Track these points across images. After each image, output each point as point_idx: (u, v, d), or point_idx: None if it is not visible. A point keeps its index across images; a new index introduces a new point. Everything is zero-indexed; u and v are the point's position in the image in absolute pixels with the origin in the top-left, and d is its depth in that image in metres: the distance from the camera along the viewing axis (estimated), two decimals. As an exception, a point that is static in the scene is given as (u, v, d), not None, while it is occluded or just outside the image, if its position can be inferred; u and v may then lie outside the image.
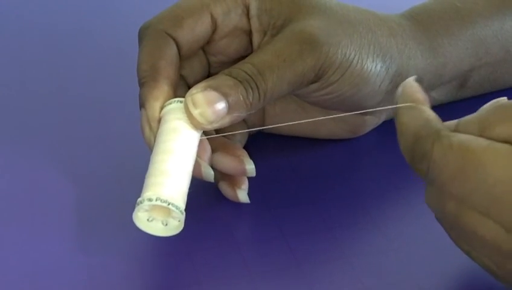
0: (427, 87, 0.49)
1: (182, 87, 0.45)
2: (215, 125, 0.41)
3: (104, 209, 0.45)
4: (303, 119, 0.46)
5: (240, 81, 0.41)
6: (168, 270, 0.41)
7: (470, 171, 0.34)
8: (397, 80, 0.47)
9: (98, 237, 0.43)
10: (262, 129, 0.51)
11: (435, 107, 0.52)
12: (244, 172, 0.44)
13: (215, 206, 0.45)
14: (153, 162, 0.40)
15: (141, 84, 0.43)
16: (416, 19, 0.50)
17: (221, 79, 0.41)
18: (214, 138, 0.44)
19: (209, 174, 0.43)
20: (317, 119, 0.45)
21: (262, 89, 0.42)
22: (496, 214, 0.34)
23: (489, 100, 0.38)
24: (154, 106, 0.42)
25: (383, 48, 0.46)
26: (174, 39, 0.44)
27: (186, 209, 0.39)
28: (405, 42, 0.48)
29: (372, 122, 0.51)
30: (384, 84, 0.46)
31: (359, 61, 0.45)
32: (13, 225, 0.44)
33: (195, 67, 0.47)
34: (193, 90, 0.41)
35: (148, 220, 0.40)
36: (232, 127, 0.44)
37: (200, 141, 0.42)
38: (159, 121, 0.42)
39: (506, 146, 0.34)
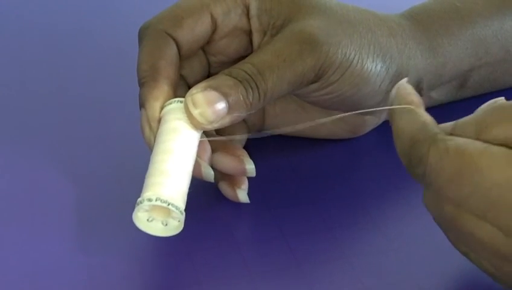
0: (427, 87, 0.49)
1: (182, 87, 0.45)
2: (215, 125, 0.41)
3: (104, 209, 0.45)
4: (303, 119, 0.46)
5: (239, 81, 0.41)
6: (168, 270, 0.41)
7: (467, 175, 0.34)
8: (397, 80, 0.47)
9: (98, 237, 0.43)
10: (262, 127, 0.51)
11: (435, 107, 0.52)
12: (244, 172, 0.44)
13: (215, 206, 0.45)
14: (153, 162, 0.40)
15: (141, 84, 0.43)
16: (416, 19, 0.50)
17: (221, 79, 0.42)
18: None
19: (209, 174, 0.43)
20: (316, 121, 0.45)
21: (262, 89, 0.42)
22: (493, 218, 0.34)
23: (489, 100, 0.38)
24: (154, 105, 0.42)
25: (383, 48, 0.46)
26: (174, 39, 0.44)
27: (186, 209, 0.39)
28: (405, 42, 0.48)
29: (372, 122, 0.51)
30: (384, 84, 0.46)
31: (359, 61, 0.45)
32: (13, 225, 0.44)
33: (195, 67, 0.47)
34: (193, 90, 0.41)
35: (148, 220, 0.40)
36: (232, 127, 0.44)
37: (200, 141, 0.42)
38: (159, 121, 0.42)
39: (502, 149, 0.34)
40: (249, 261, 0.41)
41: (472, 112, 0.37)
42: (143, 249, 0.42)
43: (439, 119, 0.38)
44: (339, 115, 0.44)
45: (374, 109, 0.45)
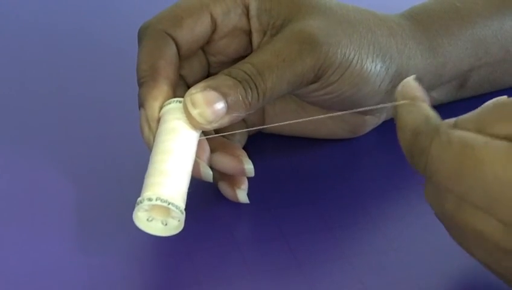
0: (427, 87, 0.49)
1: (181, 87, 0.45)
2: (214, 125, 0.41)
3: (104, 209, 0.45)
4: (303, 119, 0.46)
5: (239, 81, 0.41)
6: (168, 270, 0.41)
7: (469, 168, 0.34)
8: (397, 80, 0.47)
9: (98, 237, 0.43)
10: (262, 129, 0.51)
11: (435, 107, 0.52)
12: (243, 172, 0.44)
13: (215, 206, 0.45)
14: (152, 162, 0.40)
15: (140, 84, 0.43)
16: (416, 19, 0.50)
17: (220, 79, 0.42)
18: (213, 138, 0.44)
19: (207, 174, 0.43)
20: (316, 117, 0.45)
21: (261, 89, 0.42)
22: (494, 211, 0.34)
23: (489, 100, 0.38)
24: (153, 105, 0.42)
25: (383, 48, 0.46)
26: (173, 39, 0.44)
27: (186, 209, 0.39)
28: (405, 42, 0.48)
29: (372, 122, 0.51)
30: (384, 84, 0.46)
31: (359, 61, 0.45)
32: (13, 225, 0.44)
33: (195, 67, 0.47)
34: (192, 90, 0.41)
35: (147, 220, 0.40)
36: (231, 127, 0.44)
37: (199, 141, 0.42)
38: (158, 121, 0.42)
39: (504, 143, 0.34)
40: (249, 261, 0.41)
41: (472, 112, 0.37)
42: (143, 249, 0.42)
43: (439, 119, 0.38)
44: (338, 113, 0.44)
45: (375, 107, 0.45)
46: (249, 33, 0.46)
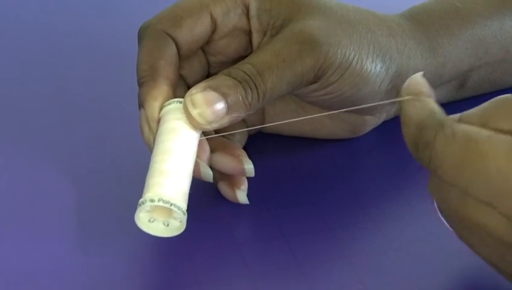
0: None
1: (181, 87, 0.45)
2: (214, 126, 0.41)
3: (104, 209, 0.45)
4: (303, 119, 0.46)
5: (239, 82, 0.41)
6: (168, 270, 0.41)
7: (472, 161, 0.34)
8: (397, 80, 0.47)
9: (98, 237, 0.43)
10: (262, 128, 0.51)
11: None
12: (243, 172, 0.44)
13: (215, 206, 0.45)
14: (153, 162, 0.40)
15: (140, 84, 0.43)
16: (416, 19, 0.50)
17: (220, 79, 0.41)
18: (213, 138, 0.44)
19: (207, 174, 0.43)
20: (317, 115, 0.45)
21: (261, 89, 0.42)
22: (497, 204, 0.34)
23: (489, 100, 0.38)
24: (153, 105, 0.42)
25: (383, 48, 0.46)
26: (173, 39, 0.44)
27: (187, 210, 0.39)
28: (405, 42, 0.48)
29: (372, 122, 0.51)
30: (384, 85, 0.46)
31: (359, 61, 0.45)
32: (13, 225, 0.44)
33: (195, 67, 0.47)
34: (192, 90, 0.41)
35: (149, 220, 0.40)
36: (231, 127, 0.44)
37: (199, 141, 0.42)
38: (158, 121, 0.42)
39: (509, 137, 0.34)
40: (249, 261, 0.41)
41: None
42: (143, 249, 0.42)
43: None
44: (339, 111, 0.44)
45: (376, 103, 0.45)
46: (249, 33, 0.46)
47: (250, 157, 0.44)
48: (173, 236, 0.40)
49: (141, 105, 0.42)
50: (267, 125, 0.49)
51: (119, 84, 0.57)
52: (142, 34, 0.45)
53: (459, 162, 0.34)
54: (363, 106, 0.45)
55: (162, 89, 0.42)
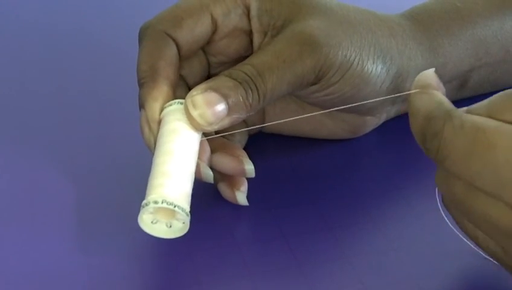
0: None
1: (181, 87, 0.45)
2: (215, 127, 0.41)
3: (104, 209, 0.45)
4: (303, 119, 0.46)
5: (239, 83, 0.41)
6: (168, 270, 0.41)
7: (480, 151, 0.34)
8: (397, 80, 0.47)
9: (98, 237, 0.43)
10: (263, 128, 0.51)
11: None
12: (243, 172, 0.44)
13: (215, 206, 0.45)
14: (155, 164, 0.40)
15: (140, 85, 0.43)
16: (417, 19, 0.50)
17: (221, 80, 0.41)
18: (214, 139, 0.44)
19: (208, 175, 0.43)
20: (317, 113, 0.45)
21: (261, 90, 0.42)
22: (505, 195, 0.34)
23: None
24: (153, 106, 0.42)
25: (384, 49, 0.46)
26: (173, 40, 0.44)
27: (190, 211, 0.39)
28: (405, 43, 0.48)
29: (372, 122, 0.51)
30: (384, 85, 0.46)
31: (359, 62, 0.45)
32: (13, 225, 0.44)
33: (195, 68, 0.47)
34: (193, 91, 0.41)
35: (152, 222, 0.40)
36: (231, 127, 0.44)
37: (199, 142, 0.42)
38: (159, 122, 0.42)
39: None
40: (249, 261, 0.41)
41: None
42: (143, 249, 0.42)
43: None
44: (340, 108, 0.44)
45: (379, 99, 0.45)
46: (249, 33, 0.46)
47: (250, 158, 0.44)
48: (176, 237, 0.40)
49: (141, 106, 0.42)
50: (267, 124, 0.49)
51: (119, 84, 0.57)
52: (143, 35, 0.45)
53: (467, 152, 0.34)
54: (367, 101, 0.45)
55: (162, 89, 0.42)
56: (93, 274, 0.40)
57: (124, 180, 0.47)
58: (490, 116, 0.35)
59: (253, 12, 0.46)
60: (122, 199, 0.45)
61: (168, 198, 0.38)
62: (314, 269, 0.41)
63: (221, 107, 0.41)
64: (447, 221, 0.41)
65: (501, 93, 0.36)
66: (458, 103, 0.53)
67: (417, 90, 0.38)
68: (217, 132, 0.44)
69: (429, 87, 0.38)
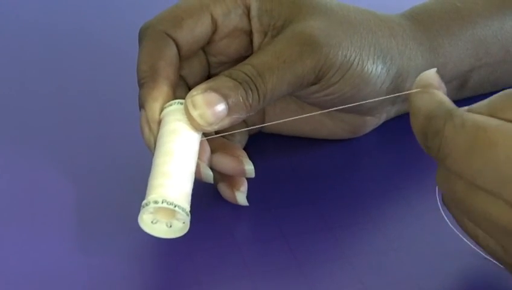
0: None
1: (181, 87, 0.45)
2: (215, 127, 0.41)
3: (104, 209, 0.45)
4: (303, 119, 0.46)
5: (239, 83, 0.41)
6: (168, 270, 0.41)
7: (481, 149, 0.34)
8: (397, 80, 0.47)
9: (98, 237, 0.43)
10: (263, 128, 0.51)
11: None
12: (243, 172, 0.44)
13: (215, 206, 0.45)
14: (156, 164, 0.40)
15: (140, 85, 0.43)
16: (417, 19, 0.50)
17: (221, 80, 0.41)
18: (214, 139, 0.44)
19: (208, 175, 0.43)
20: (317, 113, 0.45)
21: (261, 91, 0.42)
22: (505, 193, 0.34)
23: None
24: (153, 106, 0.42)
25: (384, 49, 0.46)
26: (173, 40, 0.44)
27: (190, 211, 0.39)
28: (405, 43, 0.48)
29: (372, 122, 0.51)
30: (384, 86, 0.46)
31: (359, 62, 0.45)
32: (13, 225, 0.44)
33: (195, 68, 0.47)
34: (193, 92, 0.41)
35: (152, 222, 0.40)
36: (231, 127, 0.44)
37: (200, 142, 0.42)
38: (159, 122, 0.42)
39: None
40: (249, 261, 0.41)
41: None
42: (143, 249, 0.42)
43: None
44: (340, 107, 0.44)
45: (379, 98, 0.45)
46: (249, 34, 0.46)
47: (250, 158, 0.44)
48: (176, 237, 0.40)
49: (141, 106, 0.42)
50: (268, 124, 0.49)
51: (119, 84, 0.57)
52: (143, 35, 0.45)
53: (468, 150, 0.35)
54: (367, 101, 0.45)
55: (162, 89, 0.42)
56: (93, 274, 0.40)
57: (124, 180, 0.47)
58: (491, 115, 0.35)
59: (254, 12, 0.46)
60: (122, 199, 0.45)
61: (168, 198, 0.38)
62: (314, 269, 0.41)
63: (221, 107, 0.40)
64: (447, 221, 0.41)
65: (501, 92, 0.36)
66: (458, 103, 0.53)
67: (418, 89, 0.38)
68: (217, 132, 0.44)
69: (430, 86, 0.38)
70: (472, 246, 0.40)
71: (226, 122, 0.41)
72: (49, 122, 0.53)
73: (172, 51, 0.44)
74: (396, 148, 0.50)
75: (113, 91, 0.56)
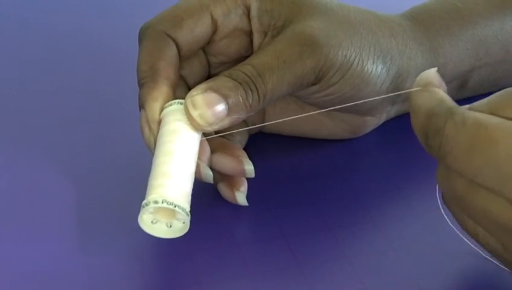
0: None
1: (181, 87, 0.45)
2: (215, 127, 0.41)
3: (104, 209, 0.45)
4: (303, 119, 0.46)
5: (239, 83, 0.41)
6: (168, 270, 0.41)
7: (482, 147, 0.34)
8: (397, 80, 0.47)
9: (98, 237, 0.43)
10: (263, 128, 0.51)
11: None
12: (243, 172, 0.44)
13: (215, 206, 0.45)
14: (156, 164, 0.40)
15: (141, 85, 0.43)
16: (417, 19, 0.50)
17: (221, 81, 0.41)
18: (213, 139, 0.44)
19: (208, 175, 0.43)
20: (317, 112, 0.45)
21: (261, 91, 0.42)
22: (505, 191, 0.34)
23: None
24: (153, 107, 0.42)
25: (384, 49, 0.46)
26: (173, 40, 0.44)
27: (190, 211, 0.39)
28: (405, 43, 0.48)
29: (373, 122, 0.51)
30: (384, 86, 0.46)
31: (359, 63, 0.45)
32: (13, 225, 0.44)
33: (195, 68, 0.47)
34: (193, 92, 0.41)
35: (152, 222, 0.40)
36: (231, 127, 0.44)
37: (200, 142, 0.42)
38: (159, 122, 0.42)
39: None
40: (249, 261, 0.41)
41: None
42: (143, 249, 0.42)
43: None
44: (340, 106, 0.44)
45: (379, 97, 0.45)
46: (249, 34, 0.46)
47: (250, 158, 0.44)
48: (176, 237, 0.40)
49: (141, 106, 0.42)
50: (268, 124, 0.49)
51: (119, 84, 0.57)
52: (143, 35, 0.45)
53: (469, 148, 0.35)
54: (367, 100, 0.45)
55: (162, 90, 0.42)
56: (93, 274, 0.40)
57: (124, 180, 0.47)
58: (492, 113, 0.35)
59: (254, 12, 0.46)
60: (122, 199, 0.45)
61: (168, 198, 0.38)
62: (314, 269, 0.41)
63: (221, 107, 0.40)
64: (447, 220, 0.41)
65: (502, 90, 0.36)
66: (458, 103, 0.53)
67: (418, 88, 0.38)
68: (217, 132, 0.44)
69: (431, 85, 0.38)
70: (472, 245, 0.40)
71: (226, 123, 0.41)
72: (49, 122, 0.53)
73: (172, 51, 0.44)
74: (396, 148, 0.50)
75: (113, 91, 0.56)
